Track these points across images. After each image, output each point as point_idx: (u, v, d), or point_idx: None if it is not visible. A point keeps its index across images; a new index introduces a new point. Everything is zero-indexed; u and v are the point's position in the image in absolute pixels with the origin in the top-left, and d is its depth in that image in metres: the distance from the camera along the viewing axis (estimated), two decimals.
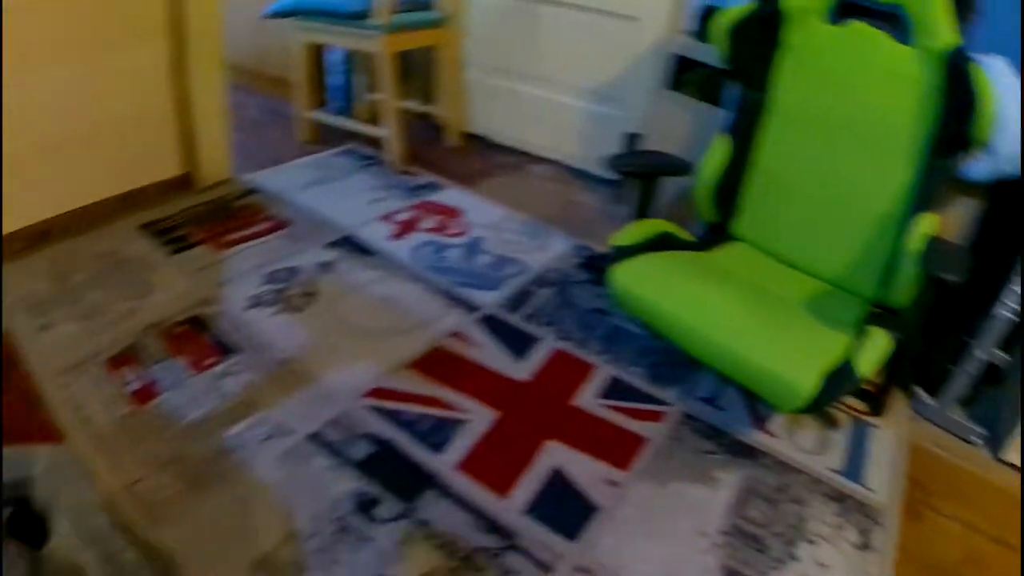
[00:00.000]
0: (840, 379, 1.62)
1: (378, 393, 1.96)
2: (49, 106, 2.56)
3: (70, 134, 2.65)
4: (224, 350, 2.09)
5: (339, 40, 3.31)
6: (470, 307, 2.35)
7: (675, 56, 2.79)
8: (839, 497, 1.78)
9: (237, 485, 1.68)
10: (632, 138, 3.01)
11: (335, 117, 3.65)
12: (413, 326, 2.25)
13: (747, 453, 1.87)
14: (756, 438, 1.92)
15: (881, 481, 1.84)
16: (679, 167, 2.17)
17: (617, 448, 1.84)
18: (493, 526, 1.61)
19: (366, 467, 1.73)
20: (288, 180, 3.19)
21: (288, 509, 1.62)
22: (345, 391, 1.96)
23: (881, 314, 1.90)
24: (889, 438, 1.99)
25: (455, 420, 1.88)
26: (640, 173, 2.16)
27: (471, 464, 1.76)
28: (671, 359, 2.17)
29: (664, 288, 1.87)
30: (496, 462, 1.77)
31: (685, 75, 2.82)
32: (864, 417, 2.06)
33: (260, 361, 2.06)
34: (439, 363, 2.09)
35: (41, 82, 2.51)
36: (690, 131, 2.76)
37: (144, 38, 2.75)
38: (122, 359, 2.05)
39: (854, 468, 1.87)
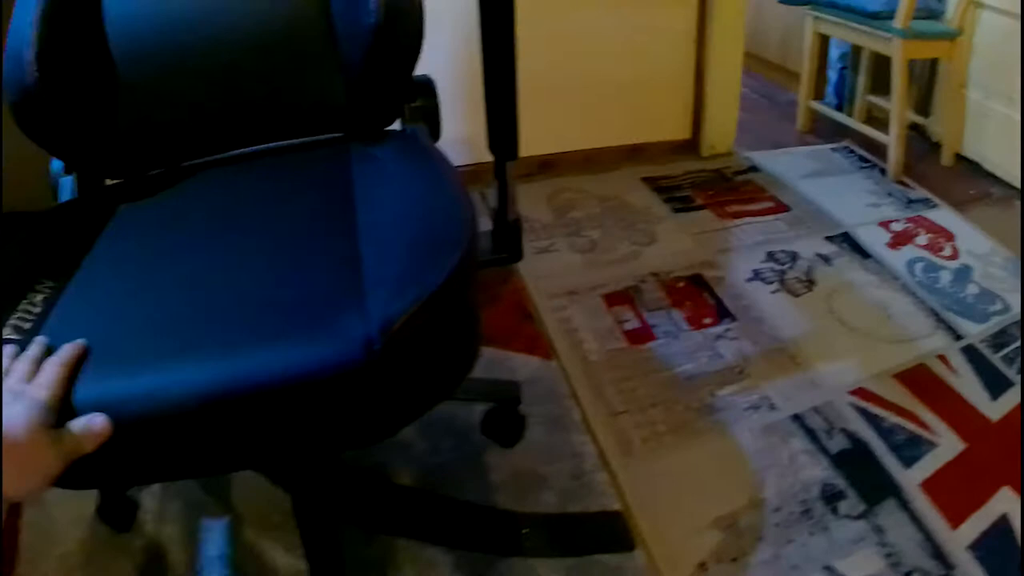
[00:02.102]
0: None
1: (863, 393, 2.04)
2: (583, 50, 2.88)
3: (595, 79, 2.96)
4: (721, 314, 2.29)
5: (853, 37, 3.34)
6: (955, 334, 2.33)
7: None
8: None
9: (716, 443, 1.84)
10: None
11: (835, 112, 3.71)
12: (901, 337, 2.29)
13: None
14: None
15: None
16: None
17: None
18: (938, 552, 1.62)
19: (839, 460, 1.82)
20: (787, 165, 3.30)
21: (760, 479, 1.75)
22: (832, 383, 2.06)
23: None
24: None
25: (927, 440, 1.91)
26: None
27: (933, 486, 1.78)
28: None
29: None
30: (955, 492, 1.78)
31: None
32: None
33: (754, 333, 2.22)
34: (921, 380, 2.12)
35: (583, 27, 2.83)
36: None
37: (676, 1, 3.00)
38: (620, 297, 2.30)
39: None
